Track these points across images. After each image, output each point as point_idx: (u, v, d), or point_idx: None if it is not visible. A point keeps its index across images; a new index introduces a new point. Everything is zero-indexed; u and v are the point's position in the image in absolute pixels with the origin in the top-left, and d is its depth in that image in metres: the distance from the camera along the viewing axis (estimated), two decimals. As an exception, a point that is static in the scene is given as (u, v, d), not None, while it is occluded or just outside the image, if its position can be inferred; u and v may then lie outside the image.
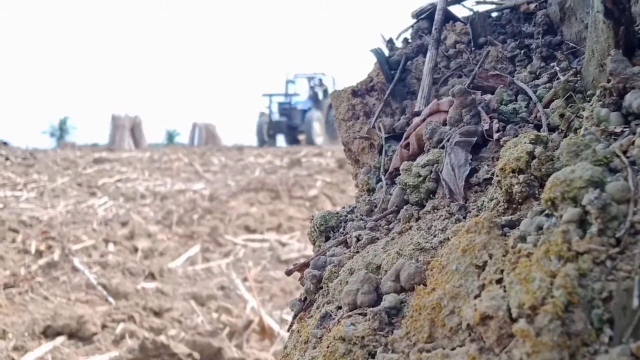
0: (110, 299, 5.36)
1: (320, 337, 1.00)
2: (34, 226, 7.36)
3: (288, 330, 1.25)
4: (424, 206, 1.22)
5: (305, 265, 1.29)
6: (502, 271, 0.76)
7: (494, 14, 1.80)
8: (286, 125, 31.08)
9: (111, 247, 6.89)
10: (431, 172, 1.23)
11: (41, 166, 12.85)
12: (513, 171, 0.92)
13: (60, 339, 4.47)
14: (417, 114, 1.47)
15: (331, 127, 29.03)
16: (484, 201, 1.06)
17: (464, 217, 1.07)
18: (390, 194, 1.34)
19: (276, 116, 31.72)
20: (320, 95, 31.39)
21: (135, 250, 6.88)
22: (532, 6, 1.72)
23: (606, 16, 1.03)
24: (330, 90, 33.92)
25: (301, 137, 30.74)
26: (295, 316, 1.24)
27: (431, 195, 1.22)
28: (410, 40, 1.86)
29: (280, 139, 32.08)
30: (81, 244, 6.75)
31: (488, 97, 1.32)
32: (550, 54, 1.49)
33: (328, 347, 0.91)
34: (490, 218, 0.85)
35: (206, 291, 5.72)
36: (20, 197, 9.75)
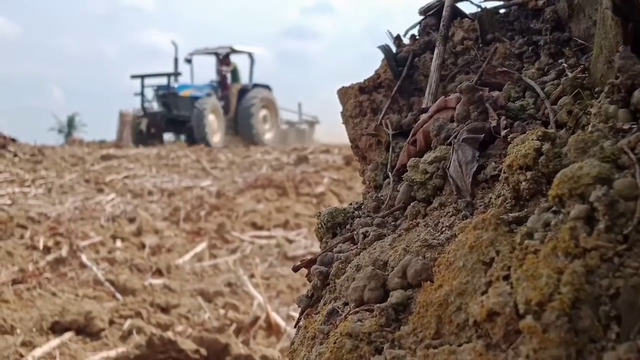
0: (118, 295, 5.38)
1: (327, 333, 1.00)
2: (42, 222, 7.39)
3: (295, 327, 1.26)
4: (431, 203, 1.22)
5: (312, 261, 1.29)
6: (509, 268, 0.76)
7: (502, 11, 1.80)
8: (165, 118, 23.59)
9: (119, 243, 6.92)
10: (438, 168, 1.22)
11: (49, 162, 12.89)
12: (520, 168, 0.92)
13: (68, 335, 4.49)
14: (425, 110, 1.47)
15: (245, 122, 23.76)
16: (491, 198, 1.06)
17: (471, 214, 1.07)
18: (397, 191, 1.34)
19: (156, 106, 24.18)
20: (230, 79, 25.11)
21: (143, 246, 6.90)
22: (540, 3, 1.71)
23: (615, 13, 1.02)
24: (239, 70, 24.42)
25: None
26: (302, 312, 1.25)
27: (438, 192, 1.22)
28: (417, 37, 1.86)
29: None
30: (89, 240, 6.78)
31: (496, 93, 1.31)
32: (558, 50, 1.49)
33: (335, 343, 0.91)
34: (498, 215, 0.85)
35: (213, 288, 5.73)
36: (28, 193, 9.79)
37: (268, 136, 24.99)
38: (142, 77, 23.42)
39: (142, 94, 23.66)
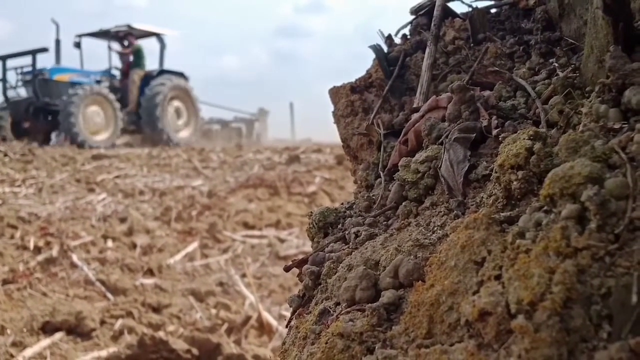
0: (109, 295, 5.35)
1: (318, 333, 1.00)
2: (32, 222, 7.35)
3: (287, 326, 1.25)
4: (422, 202, 1.22)
5: (304, 261, 1.29)
6: (500, 267, 0.76)
7: (493, 10, 1.80)
8: (32, 106, 18.40)
9: (110, 243, 6.89)
10: (430, 168, 1.23)
11: (40, 162, 12.83)
12: (512, 167, 0.92)
13: (59, 335, 4.47)
14: (416, 110, 1.47)
15: (148, 115, 19.67)
16: (482, 197, 1.06)
17: (463, 214, 1.07)
18: (389, 190, 1.34)
19: (23, 92, 18.94)
20: (138, 66, 20.47)
21: (134, 246, 6.87)
22: (531, 2, 1.72)
23: (605, 12, 1.02)
24: (145, 54, 20.72)
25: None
26: (293, 312, 1.24)
27: (430, 192, 1.22)
28: (409, 37, 1.86)
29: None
30: (80, 240, 6.74)
31: (487, 93, 1.32)
32: (549, 50, 1.49)
33: (326, 343, 0.91)
34: (489, 214, 0.85)
35: (205, 287, 5.72)
36: (18, 193, 9.74)
37: (183, 134, 21.22)
38: (3, 58, 18.50)
39: (3, 79, 18.65)
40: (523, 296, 0.69)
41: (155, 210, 8.85)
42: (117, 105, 19.13)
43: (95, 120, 18.46)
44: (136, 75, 20.08)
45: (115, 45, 20.63)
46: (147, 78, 20.28)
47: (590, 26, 1.12)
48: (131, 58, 20.40)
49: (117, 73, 20.69)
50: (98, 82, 19.62)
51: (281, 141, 26.67)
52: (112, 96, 19.02)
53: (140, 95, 19.98)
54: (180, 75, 21.36)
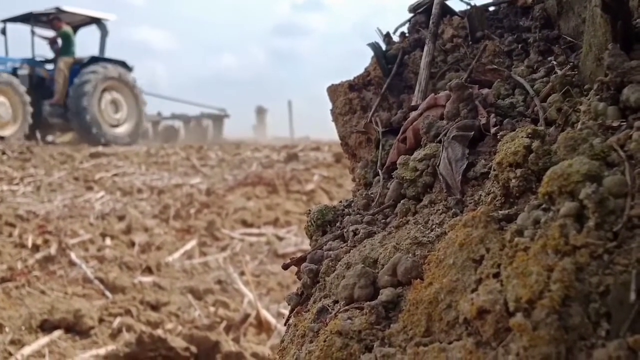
0: (107, 293, 5.35)
1: (317, 331, 1.00)
2: (30, 220, 7.35)
3: (285, 324, 1.25)
4: (421, 200, 1.22)
5: (302, 259, 1.29)
6: (499, 265, 0.76)
7: (491, 8, 1.80)
8: None
9: (108, 241, 6.88)
10: (428, 166, 1.22)
11: (38, 160, 12.82)
12: (510, 165, 0.92)
13: (57, 333, 4.47)
14: (414, 108, 1.47)
15: (76, 107, 16.92)
16: (481, 195, 1.06)
17: (461, 211, 1.07)
18: (387, 188, 1.34)
19: None
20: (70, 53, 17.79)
21: (132, 244, 6.86)
22: (529, 0, 1.72)
23: (604, 10, 1.02)
24: (74, 39, 18.00)
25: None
26: (292, 310, 1.24)
27: (428, 190, 1.22)
28: (407, 35, 1.86)
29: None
30: (78, 238, 6.74)
31: (485, 91, 1.32)
32: (548, 48, 1.49)
33: (325, 341, 0.91)
34: (488, 212, 0.85)
35: (203, 285, 5.72)
36: (17, 191, 9.73)
37: (121, 130, 18.43)
38: None
39: None
40: (521, 294, 0.69)
41: (154, 208, 8.85)
42: (27, 97, 16.42)
43: None
44: (63, 63, 17.44)
45: (46, 32, 18.22)
46: (79, 67, 17.56)
47: (588, 24, 1.12)
48: (60, 44, 17.82)
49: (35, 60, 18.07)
50: (15, 70, 16.86)
51: (280, 139, 25.30)
52: (22, 87, 16.38)
53: (70, 86, 17.25)
54: (120, 63, 18.51)
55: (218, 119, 25.08)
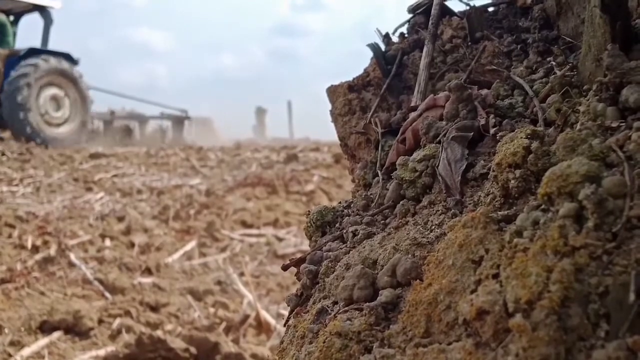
0: (107, 294, 5.35)
1: (316, 332, 1.00)
2: (30, 221, 7.34)
3: (284, 325, 1.25)
4: (420, 201, 1.22)
5: (302, 260, 1.29)
6: (498, 266, 0.76)
7: (491, 9, 1.80)
8: None
9: (108, 242, 6.88)
10: (427, 167, 1.22)
11: (37, 161, 12.81)
12: (509, 166, 0.92)
13: (57, 334, 4.47)
14: (414, 108, 1.47)
15: (10, 104, 15.19)
16: (480, 196, 1.06)
17: (461, 212, 1.07)
18: (387, 189, 1.34)
19: None
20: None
21: (132, 245, 6.86)
22: (528, 1, 1.72)
23: (603, 11, 1.02)
24: (12, 29, 15.71)
25: None
26: (291, 311, 1.24)
27: (427, 190, 1.22)
28: (406, 35, 1.86)
29: None
30: (78, 239, 6.74)
31: (484, 92, 1.32)
32: (547, 48, 1.49)
33: (324, 342, 0.91)
34: (487, 213, 0.85)
35: (203, 286, 5.72)
36: (16, 192, 9.72)
37: (62, 130, 16.61)
38: None
39: None
40: (521, 295, 0.69)
41: (153, 209, 8.84)
42: None
43: None
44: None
45: None
46: (18, 59, 15.82)
47: (587, 25, 1.12)
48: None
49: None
50: None
51: (279, 140, 25.26)
52: None
53: (5, 80, 15.50)
54: (64, 56, 16.68)
55: (178, 120, 23.00)
